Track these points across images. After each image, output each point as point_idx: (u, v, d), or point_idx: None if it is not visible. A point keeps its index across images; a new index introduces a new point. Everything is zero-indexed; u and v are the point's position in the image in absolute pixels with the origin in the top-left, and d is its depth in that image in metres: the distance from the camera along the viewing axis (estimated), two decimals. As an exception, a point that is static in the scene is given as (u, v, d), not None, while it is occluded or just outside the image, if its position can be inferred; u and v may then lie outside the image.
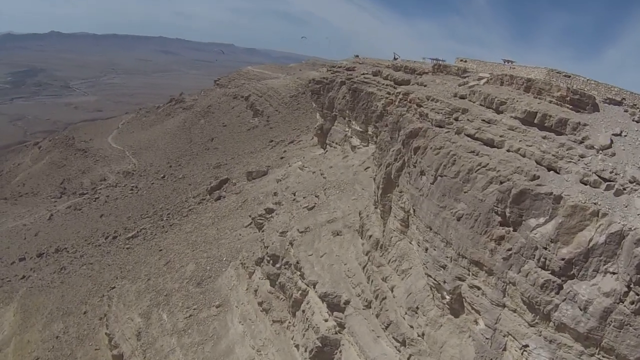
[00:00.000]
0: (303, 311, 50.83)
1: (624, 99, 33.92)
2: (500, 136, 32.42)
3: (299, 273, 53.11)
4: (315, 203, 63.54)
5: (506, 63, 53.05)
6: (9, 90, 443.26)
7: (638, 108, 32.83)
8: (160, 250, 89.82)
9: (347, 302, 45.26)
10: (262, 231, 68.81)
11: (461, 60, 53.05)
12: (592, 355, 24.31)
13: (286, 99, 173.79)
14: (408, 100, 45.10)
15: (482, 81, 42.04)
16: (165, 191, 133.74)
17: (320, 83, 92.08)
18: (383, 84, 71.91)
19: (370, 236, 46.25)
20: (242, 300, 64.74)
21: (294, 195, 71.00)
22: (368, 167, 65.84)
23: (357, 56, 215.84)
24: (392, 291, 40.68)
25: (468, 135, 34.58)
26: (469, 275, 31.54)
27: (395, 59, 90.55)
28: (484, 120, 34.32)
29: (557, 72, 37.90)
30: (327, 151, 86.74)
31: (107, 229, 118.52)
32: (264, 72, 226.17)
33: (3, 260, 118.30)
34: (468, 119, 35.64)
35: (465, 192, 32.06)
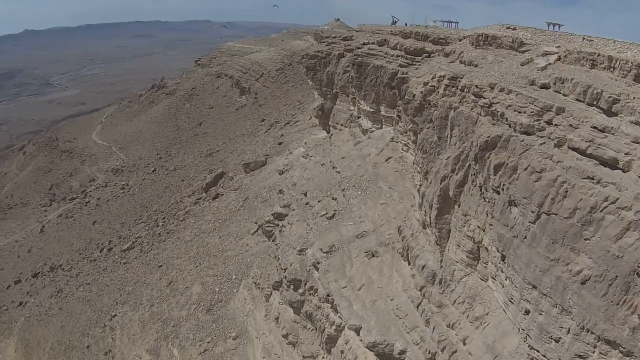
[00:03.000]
0: (342, 352, 40.24)
1: None
2: (626, 154, 21.54)
3: (330, 306, 42.49)
4: (336, 210, 52.55)
5: (552, 27, 43.08)
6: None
7: None
8: (160, 266, 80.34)
9: (402, 353, 34.47)
10: (275, 244, 58.21)
11: (508, 28, 41.54)
12: None
13: (272, 72, 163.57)
14: (459, 87, 33.80)
15: (552, 58, 30.98)
16: (157, 189, 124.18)
17: (316, 57, 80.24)
18: (393, 55, 60.75)
19: (423, 267, 35.21)
20: (262, 329, 54.42)
21: (305, 196, 60.16)
22: (390, 158, 54.99)
23: (339, 20, 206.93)
24: (464, 343, 30.01)
25: (575, 150, 23.61)
26: (594, 353, 21.13)
27: (394, 23, 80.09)
28: (595, 128, 23.14)
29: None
30: (332, 135, 75.60)
31: (101, 238, 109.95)
32: (245, 46, 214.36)
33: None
34: (570, 125, 24.29)
35: (588, 241, 21.45)
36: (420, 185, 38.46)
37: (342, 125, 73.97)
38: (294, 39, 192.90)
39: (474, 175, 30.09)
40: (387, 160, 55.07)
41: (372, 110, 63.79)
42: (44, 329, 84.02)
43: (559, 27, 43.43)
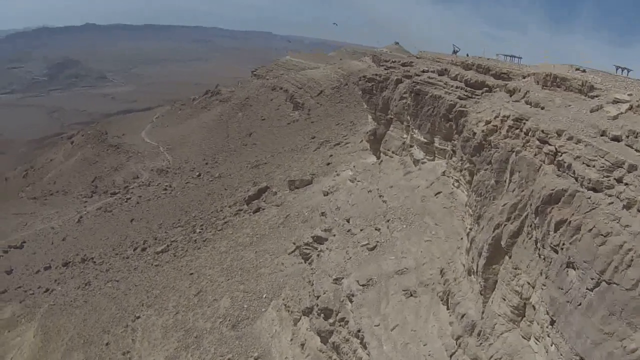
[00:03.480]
0: (367, 390, 38.21)
1: None
2: None
3: (359, 341, 40.39)
4: (378, 241, 50.42)
5: (620, 71, 40.53)
6: (46, 82, 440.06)
7: None
8: (191, 274, 78.64)
9: (430, 402, 32.30)
10: (311, 267, 56.17)
11: (577, 69, 39.22)
12: None
13: (327, 90, 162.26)
14: (523, 129, 31.73)
15: (624, 107, 28.78)
16: (199, 194, 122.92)
17: (373, 80, 78.35)
18: (452, 86, 58.65)
19: (463, 315, 33.03)
20: (286, 353, 52.54)
21: (348, 222, 58.19)
22: (439, 193, 52.82)
23: (397, 43, 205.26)
24: (499, 405, 27.71)
25: (644, 215, 21.25)
26: None
27: (455, 52, 77.82)
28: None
29: None
30: (381, 161, 73.57)
31: (136, 236, 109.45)
32: (302, 61, 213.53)
33: (29, 267, 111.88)
34: (640, 185, 22.02)
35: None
36: (470, 229, 36.20)
37: (393, 152, 71.97)
38: (351, 59, 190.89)
39: (531, 227, 28.00)
40: (436, 195, 52.92)
41: (425, 141, 61.77)
42: (66, 319, 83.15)
43: (628, 72, 41.03)
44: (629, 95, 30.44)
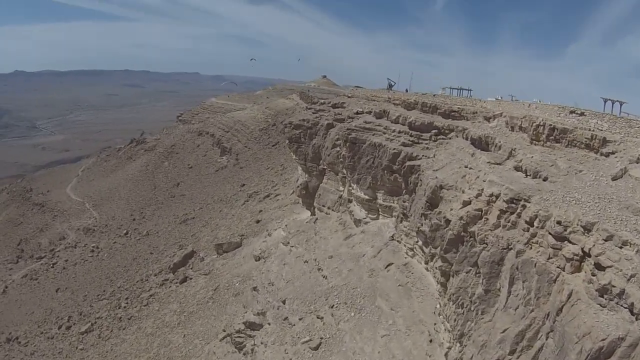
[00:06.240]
0: None
1: None
2: None
3: None
4: (322, 338, 39.48)
5: (611, 104, 33.07)
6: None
7: None
8: None
9: None
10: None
11: (572, 112, 29.16)
12: None
13: (255, 132, 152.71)
14: (523, 216, 21.45)
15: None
16: (126, 257, 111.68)
17: (300, 127, 67.98)
18: (394, 131, 48.88)
19: None
20: None
21: (284, 304, 47.24)
22: (390, 265, 42.62)
23: (325, 76, 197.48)
24: None
25: None
26: None
27: (390, 86, 68.54)
28: None
29: None
30: (316, 219, 63.08)
31: (61, 310, 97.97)
32: (228, 103, 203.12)
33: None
34: None
35: None
36: (449, 348, 25.62)
37: (329, 207, 61.89)
38: (279, 97, 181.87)
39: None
40: (386, 267, 42.61)
41: (366, 197, 51.69)
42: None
43: (621, 105, 31.45)
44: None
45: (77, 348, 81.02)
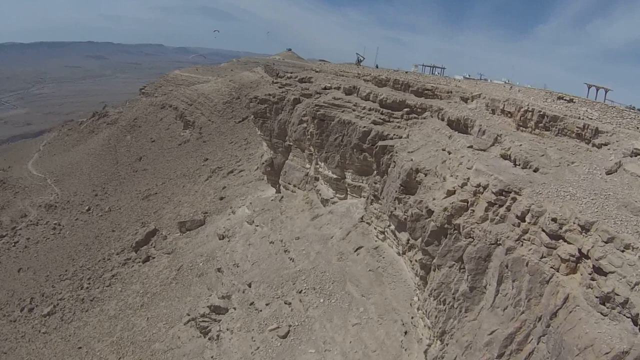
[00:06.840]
0: None
1: None
2: None
3: None
4: (290, 325, 37.45)
5: (595, 90, 31.72)
6: None
7: None
8: (80, 347, 65.88)
9: None
10: (211, 356, 42.66)
11: (560, 98, 27.16)
12: None
13: (219, 106, 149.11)
14: (513, 210, 19.52)
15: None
16: (88, 235, 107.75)
17: (266, 102, 65.29)
18: (364, 108, 46.72)
19: None
20: None
21: (249, 287, 45.13)
22: (360, 248, 40.66)
23: (290, 50, 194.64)
24: None
25: None
26: None
27: (359, 61, 66.30)
28: None
29: None
30: (282, 197, 60.80)
31: (24, 291, 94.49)
32: (192, 75, 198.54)
33: None
34: None
35: None
36: (429, 345, 23.74)
37: (294, 185, 59.71)
38: (243, 69, 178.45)
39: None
40: (356, 251, 40.65)
41: (334, 176, 49.57)
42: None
43: (606, 92, 29.67)
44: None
45: (40, 332, 78.49)
